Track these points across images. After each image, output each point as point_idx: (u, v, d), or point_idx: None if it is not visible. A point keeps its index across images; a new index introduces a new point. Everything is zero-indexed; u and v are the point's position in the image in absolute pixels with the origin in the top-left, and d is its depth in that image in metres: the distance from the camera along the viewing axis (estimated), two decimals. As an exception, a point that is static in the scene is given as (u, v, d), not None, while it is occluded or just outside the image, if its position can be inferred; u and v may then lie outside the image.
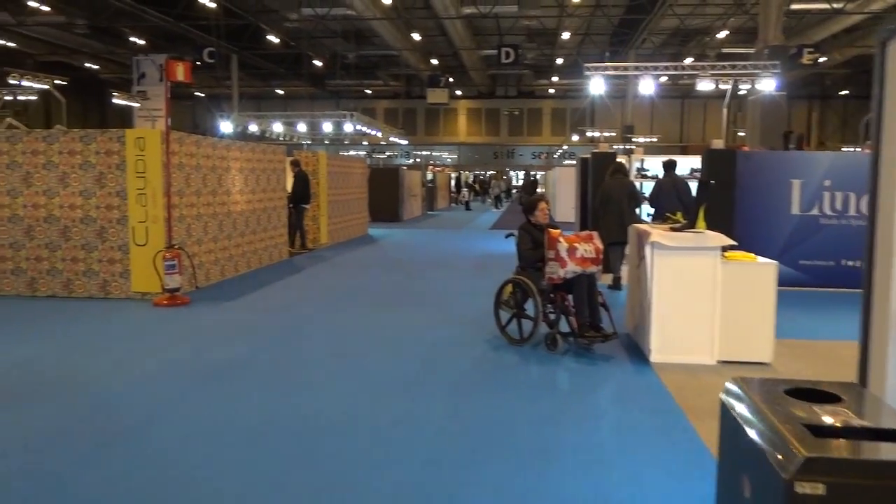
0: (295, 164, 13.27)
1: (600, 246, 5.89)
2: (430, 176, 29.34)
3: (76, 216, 8.18)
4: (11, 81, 17.73)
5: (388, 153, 50.55)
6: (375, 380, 5.09)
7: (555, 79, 44.59)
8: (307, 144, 37.23)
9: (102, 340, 6.25)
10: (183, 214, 8.50)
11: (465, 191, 31.54)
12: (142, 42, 32.61)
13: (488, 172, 51.27)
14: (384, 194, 21.13)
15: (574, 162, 43.65)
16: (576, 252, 5.65)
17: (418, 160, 50.19)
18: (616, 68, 15.95)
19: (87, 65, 40.84)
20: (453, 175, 43.62)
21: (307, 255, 12.94)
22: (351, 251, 13.71)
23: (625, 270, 8.21)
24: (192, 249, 8.67)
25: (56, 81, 20.11)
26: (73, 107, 45.09)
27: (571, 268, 5.62)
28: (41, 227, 8.25)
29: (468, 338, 6.39)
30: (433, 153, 53.05)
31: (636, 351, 5.89)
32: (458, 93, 48.81)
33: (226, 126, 27.91)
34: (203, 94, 49.97)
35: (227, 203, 9.73)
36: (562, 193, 21.74)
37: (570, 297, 5.78)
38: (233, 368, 5.39)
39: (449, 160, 53.19)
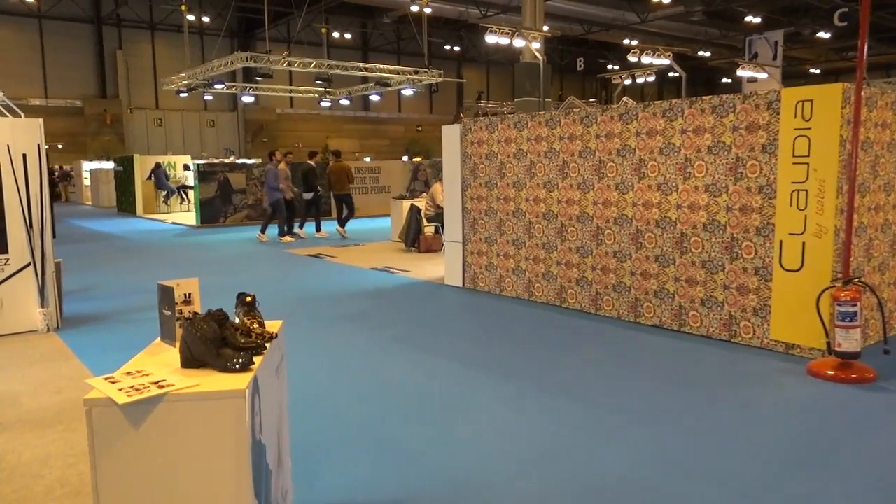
0: None
1: None
2: None
3: (698, 220, 5.78)
4: (631, 59, 17.08)
5: None
6: None
7: None
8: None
9: (720, 443, 3.57)
10: (863, 223, 5.20)
11: None
12: (756, 20, 29.56)
13: None
14: None
15: None
16: None
17: None
18: None
19: (700, 53, 40.24)
20: None
21: None
22: None
23: None
24: (872, 279, 5.29)
25: (672, 62, 18.98)
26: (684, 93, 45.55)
27: None
28: (651, 234, 6.15)
29: None
30: None
31: None
32: None
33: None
34: (818, 71, 44.09)
35: (927, 204, 5.93)
36: None
37: None
38: None
39: None
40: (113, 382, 2.04)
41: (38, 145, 6.18)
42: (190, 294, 2.62)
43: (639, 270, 6.29)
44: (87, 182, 30.18)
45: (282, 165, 13.79)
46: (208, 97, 32.15)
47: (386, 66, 24.90)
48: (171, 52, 37.79)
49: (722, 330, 5.67)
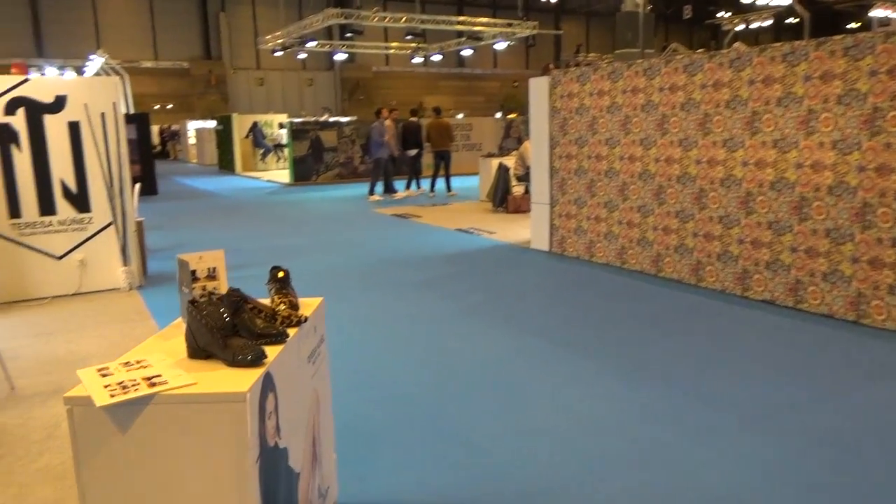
0: None
1: None
2: None
3: (822, 182, 4.99)
4: (745, 1, 15.50)
5: None
6: None
7: None
8: None
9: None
10: None
11: None
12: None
13: None
14: None
15: None
16: None
17: None
18: None
19: (824, -5, 36.69)
20: None
21: None
22: None
23: None
24: None
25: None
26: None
27: None
28: (764, 198, 5.41)
29: None
30: None
31: None
32: None
33: None
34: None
35: None
36: None
37: None
38: None
39: None
40: (104, 375, 1.75)
41: (114, 104, 6.12)
42: (215, 269, 2.31)
43: (748, 238, 5.57)
44: (192, 141, 31.37)
45: (388, 122, 13.57)
46: (302, 56, 32.46)
47: (478, 20, 24.08)
48: (271, 12, 38.38)
49: (848, 309, 4.91)
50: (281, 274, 2.39)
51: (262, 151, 23.42)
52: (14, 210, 5.98)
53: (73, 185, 6.12)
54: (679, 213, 6.17)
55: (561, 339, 4.70)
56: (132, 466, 1.66)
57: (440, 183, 14.15)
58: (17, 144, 5.90)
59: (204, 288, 2.27)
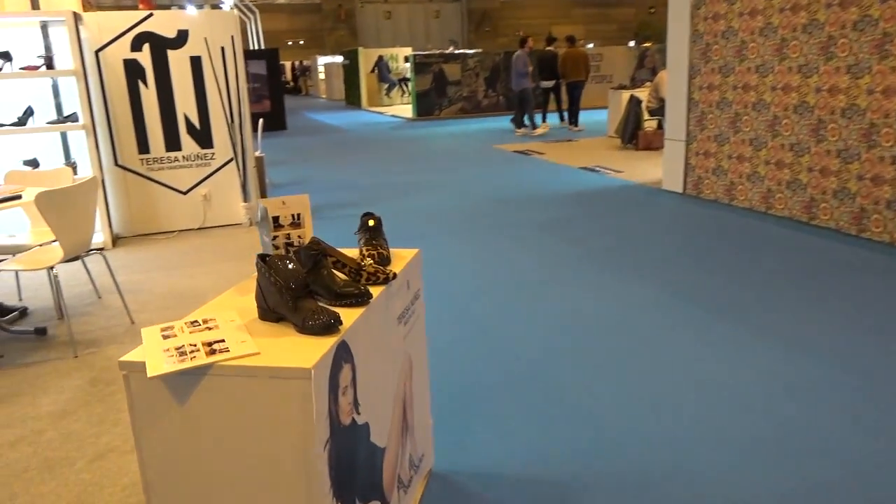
0: None
1: None
2: None
3: None
4: None
5: None
6: None
7: None
8: None
9: None
10: None
11: None
12: None
13: None
14: None
15: None
16: None
17: None
18: None
19: None
20: None
21: None
22: None
23: None
24: None
25: None
26: None
27: None
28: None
29: None
30: None
31: None
32: None
33: None
34: None
35: None
36: None
37: None
38: None
39: None
40: (166, 337, 1.58)
41: (233, 38, 6.06)
42: (300, 215, 2.09)
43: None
44: (321, 76, 32.00)
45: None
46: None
47: (615, -62, 22.28)
48: (397, -59, 37.80)
49: None
50: (371, 222, 2.14)
51: (386, 86, 23.43)
52: (143, 146, 6.16)
53: (196, 120, 6.20)
54: (841, 152, 5.34)
55: (694, 295, 4.21)
56: (191, 440, 1.49)
57: (567, 117, 13.49)
58: (144, 80, 6.02)
59: (288, 236, 2.06)
